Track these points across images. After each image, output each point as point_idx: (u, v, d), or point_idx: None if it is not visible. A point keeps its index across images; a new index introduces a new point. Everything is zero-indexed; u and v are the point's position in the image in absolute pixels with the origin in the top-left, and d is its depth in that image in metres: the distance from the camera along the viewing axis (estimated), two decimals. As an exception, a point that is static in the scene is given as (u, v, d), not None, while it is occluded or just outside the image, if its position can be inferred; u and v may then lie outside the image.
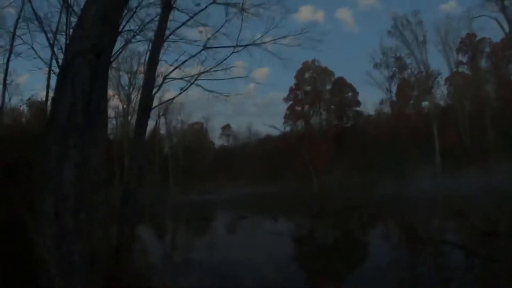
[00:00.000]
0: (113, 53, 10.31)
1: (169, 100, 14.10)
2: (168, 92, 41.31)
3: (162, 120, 54.96)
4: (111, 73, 39.86)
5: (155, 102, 12.51)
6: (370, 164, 42.17)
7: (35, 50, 16.86)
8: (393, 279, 9.28)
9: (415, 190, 29.10)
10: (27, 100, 29.73)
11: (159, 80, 11.61)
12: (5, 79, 21.71)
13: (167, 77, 11.79)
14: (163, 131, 57.51)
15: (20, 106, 29.64)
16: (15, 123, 26.52)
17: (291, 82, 54.35)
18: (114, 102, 46.47)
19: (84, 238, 3.79)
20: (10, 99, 29.26)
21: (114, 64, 23.62)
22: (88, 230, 3.82)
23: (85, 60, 3.92)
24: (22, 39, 18.44)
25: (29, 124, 26.61)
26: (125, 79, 45.15)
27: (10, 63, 20.72)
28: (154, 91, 10.37)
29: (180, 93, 12.55)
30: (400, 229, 17.78)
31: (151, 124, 41.20)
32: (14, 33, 19.24)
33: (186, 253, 16.02)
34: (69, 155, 3.68)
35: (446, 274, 9.40)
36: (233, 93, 14.33)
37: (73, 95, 3.82)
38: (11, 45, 20.10)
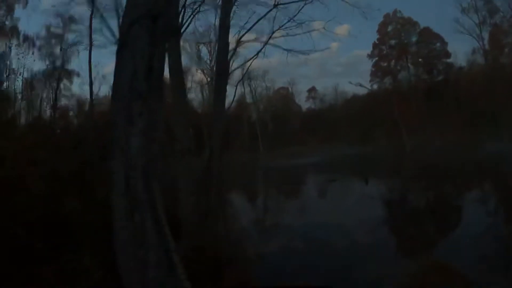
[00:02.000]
0: (182, 25, 10.32)
1: (247, 61, 13.89)
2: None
3: (247, 88, 55.28)
4: (191, 49, 40.67)
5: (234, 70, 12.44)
6: (464, 120, 39.20)
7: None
8: (486, 249, 8.53)
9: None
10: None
11: (234, 45, 11.51)
12: (90, 71, 23.17)
13: (241, 40, 11.60)
14: (249, 99, 57.76)
15: (109, 93, 31.42)
16: (107, 110, 28.22)
17: (375, 37, 51.42)
18: (198, 77, 47.43)
19: (157, 207, 3.69)
20: (99, 89, 31.25)
21: (189, 37, 23.89)
22: (160, 199, 3.71)
23: (142, 26, 3.75)
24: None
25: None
26: (205, 53, 45.43)
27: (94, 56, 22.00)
28: (229, 56, 10.24)
29: (256, 54, 12.32)
30: (497, 193, 16.29)
31: (234, 92, 41.71)
32: (90, 28, 20.41)
33: (275, 217, 16.20)
34: (134, 123, 3.58)
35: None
36: (312, 50, 13.71)
37: (133, 63, 3.70)
38: (90, 39, 21.40)
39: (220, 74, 9.58)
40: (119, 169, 3.66)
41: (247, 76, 49.65)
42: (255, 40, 12.17)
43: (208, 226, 8.46)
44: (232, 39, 11.14)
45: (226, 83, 9.91)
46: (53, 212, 8.69)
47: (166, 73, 9.55)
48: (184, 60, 42.41)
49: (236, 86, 16.68)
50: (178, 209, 8.76)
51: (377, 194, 18.64)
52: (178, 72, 8.94)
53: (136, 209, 3.60)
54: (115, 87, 3.96)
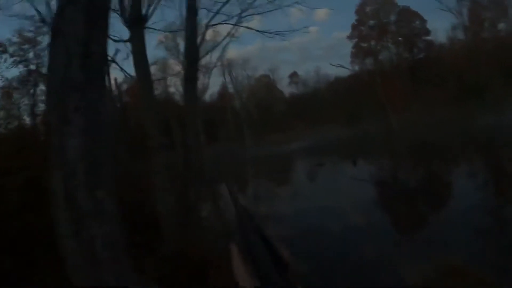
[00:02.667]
0: (148, 12, 9.66)
1: (218, 45, 13.57)
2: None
3: (228, 78, 54.73)
4: (169, 43, 39.98)
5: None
6: (450, 96, 39.08)
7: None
8: (478, 223, 8.43)
9: (503, 123, 24.84)
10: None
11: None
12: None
13: (210, 23, 11.07)
14: (230, 89, 57.21)
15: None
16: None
17: (354, 18, 50.99)
18: (177, 69, 46.60)
19: (108, 221, 3.07)
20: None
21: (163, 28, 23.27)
22: (111, 210, 3.09)
23: (77, 7, 3.12)
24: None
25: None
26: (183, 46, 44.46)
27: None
28: (198, 42, 9.67)
29: (227, 36, 11.86)
30: (486, 168, 15.98)
31: (208, 79, 41.12)
32: None
33: (265, 206, 15.75)
34: (70, 120, 2.94)
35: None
36: (287, 31, 13.27)
37: (67, 49, 3.04)
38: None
39: (190, 62, 8.95)
40: (57, 178, 3.05)
41: (227, 66, 49.44)
42: (225, 22, 11.67)
43: (189, 225, 7.89)
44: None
45: (196, 70, 9.32)
46: (27, 225, 8.14)
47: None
48: (162, 52, 41.88)
49: (210, 72, 16.26)
50: (157, 210, 8.19)
51: (365, 175, 18.32)
52: (144, 63, 8.28)
53: (81, 225, 2.99)
54: (49, 81, 3.34)
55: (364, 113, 45.32)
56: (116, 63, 15.63)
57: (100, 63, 3.26)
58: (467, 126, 28.69)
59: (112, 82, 26.95)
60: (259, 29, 13.21)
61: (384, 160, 23.54)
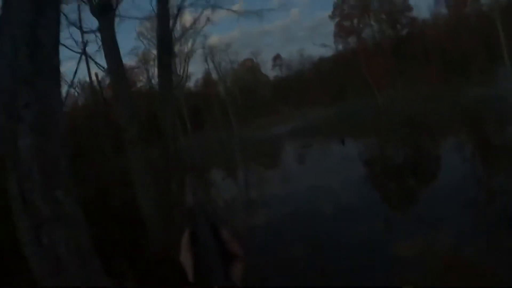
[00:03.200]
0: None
1: (189, 29, 13.29)
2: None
3: (211, 64, 54.11)
4: (150, 34, 39.36)
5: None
6: (434, 72, 39.18)
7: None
8: (468, 195, 8.43)
9: (485, 97, 24.99)
10: (78, 84, 30.16)
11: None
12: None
13: (182, 6, 10.69)
14: (214, 75, 56.64)
15: (72, 91, 30.01)
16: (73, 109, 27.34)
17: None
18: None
19: (72, 223, 2.83)
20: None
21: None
22: (72, 212, 2.85)
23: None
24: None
25: (87, 105, 27.69)
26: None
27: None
28: (172, 26, 9.32)
29: (199, 16, 11.55)
30: (472, 140, 16.07)
31: (200, 70, 40.78)
32: None
33: (255, 191, 15.66)
34: (21, 118, 2.68)
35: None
36: (265, 10, 13.05)
37: (13, 39, 2.77)
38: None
39: (162, 46, 8.55)
40: (12, 180, 2.80)
41: (209, 51, 48.94)
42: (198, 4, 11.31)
43: (173, 220, 7.62)
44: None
45: (170, 55, 8.96)
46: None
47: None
48: (145, 43, 41.01)
49: (186, 59, 15.95)
50: (139, 207, 7.91)
51: (354, 154, 18.27)
52: (114, 53, 7.89)
53: (42, 230, 2.75)
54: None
55: (350, 91, 45.35)
56: (88, 55, 15.20)
57: (52, 53, 2.98)
58: (452, 101, 28.70)
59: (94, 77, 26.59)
60: (243, 16, 12.85)
61: (372, 138, 23.45)
